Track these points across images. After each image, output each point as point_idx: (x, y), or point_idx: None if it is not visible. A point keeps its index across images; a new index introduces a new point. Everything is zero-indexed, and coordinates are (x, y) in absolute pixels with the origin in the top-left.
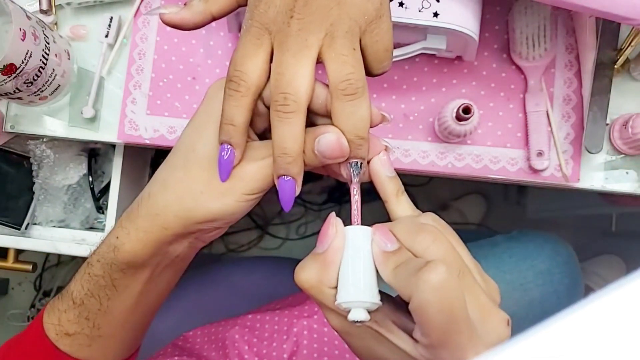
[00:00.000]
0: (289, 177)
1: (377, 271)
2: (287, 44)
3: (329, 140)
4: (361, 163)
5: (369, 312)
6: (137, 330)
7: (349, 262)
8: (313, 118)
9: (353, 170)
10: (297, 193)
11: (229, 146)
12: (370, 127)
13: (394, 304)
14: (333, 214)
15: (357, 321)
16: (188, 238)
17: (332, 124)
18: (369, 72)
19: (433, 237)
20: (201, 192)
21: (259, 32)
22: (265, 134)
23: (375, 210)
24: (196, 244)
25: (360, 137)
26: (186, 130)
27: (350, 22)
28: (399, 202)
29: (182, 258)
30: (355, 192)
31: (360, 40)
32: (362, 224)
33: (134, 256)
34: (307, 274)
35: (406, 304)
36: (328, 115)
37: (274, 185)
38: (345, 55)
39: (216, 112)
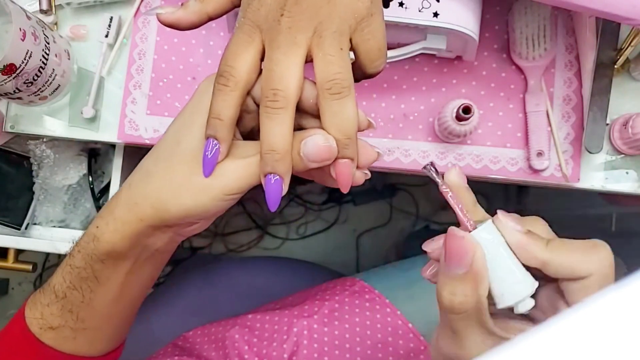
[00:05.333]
0: (276, 177)
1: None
2: (277, 42)
3: (315, 143)
4: (433, 163)
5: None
6: (122, 323)
7: (497, 265)
8: (304, 119)
9: (432, 173)
10: (284, 193)
11: (214, 141)
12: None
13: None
14: (454, 228)
15: (526, 310)
16: (166, 232)
17: (320, 127)
18: (363, 72)
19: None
20: (180, 185)
21: (250, 29)
22: (252, 136)
23: (371, 212)
24: (176, 238)
25: (347, 137)
26: (174, 123)
27: (339, 22)
28: (476, 213)
29: (162, 251)
30: (450, 195)
31: (351, 40)
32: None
33: (113, 246)
34: (460, 297)
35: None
36: (318, 116)
37: (259, 185)
38: (332, 55)
39: (205, 107)
